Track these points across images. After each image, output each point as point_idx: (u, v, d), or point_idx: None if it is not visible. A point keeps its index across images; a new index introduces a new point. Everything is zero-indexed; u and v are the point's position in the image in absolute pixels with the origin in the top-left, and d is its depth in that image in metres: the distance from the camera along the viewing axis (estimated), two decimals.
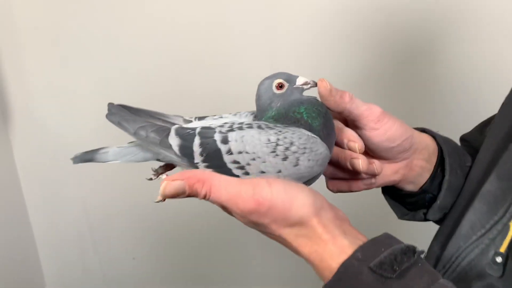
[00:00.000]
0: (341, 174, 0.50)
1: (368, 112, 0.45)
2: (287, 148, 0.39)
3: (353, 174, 0.49)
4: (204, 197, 0.37)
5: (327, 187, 0.52)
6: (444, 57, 0.96)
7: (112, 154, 0.44)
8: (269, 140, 0.40)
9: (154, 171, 0.47)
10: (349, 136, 0.46)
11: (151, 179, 0.47)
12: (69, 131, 1.20)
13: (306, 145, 0.40)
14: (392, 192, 0.55)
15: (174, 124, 0.44)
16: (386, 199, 0.57)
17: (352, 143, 0.46)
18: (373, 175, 0.49)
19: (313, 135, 0.41)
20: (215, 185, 0.37)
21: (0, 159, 1.23)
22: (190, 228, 1.25)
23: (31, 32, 1.14)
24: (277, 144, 0.39)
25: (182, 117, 0.46)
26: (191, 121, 0.46)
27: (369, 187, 0.50)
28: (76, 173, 1.23)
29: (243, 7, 1.02)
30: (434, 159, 0.52)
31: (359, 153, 0.46)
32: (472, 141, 0.58)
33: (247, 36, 1.04)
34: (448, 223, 0.48)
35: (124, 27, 1.10)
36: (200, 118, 0.46)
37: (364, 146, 0.46)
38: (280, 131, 0.40)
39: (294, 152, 0.40)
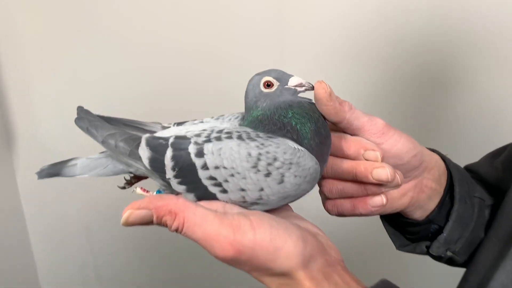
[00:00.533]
0: (352, 190, 0.42)
1: (370, 124, 0.40)
2: (270, 164, 0.34)
3: (364, 191, 0.41)
4: (176, 231, 0.32)
5: (325, 207, 0.44)
6: (456, 82, 0.90)
7: (80, 167, 0.40)
8: (249, 154, 0.35)
9: (126, 181, 0.43)
10: (365, 145, 0.40)
11: (124, 187, 0.43)
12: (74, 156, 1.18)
13: (292, 159, 0.35)
14: (392, 219, 0.49)
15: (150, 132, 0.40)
16: (385, 225, 0.51)
17: (372, 152, 0.39)
18: (396, 187, 0.41)
19: (300, 147, 0.36)
20: (189, 220, 0.32)
21: (3, 184, 1.21)
22: (196, 258, 1.18)
23: (36, 55, 1.11)
24: (259, 159, 0.34)
25: (160, 123, 0.42)
26: (169, 128, 0.41)
27: (378, 210, 0.42)
28: (79, 200, 1.21)
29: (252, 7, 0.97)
30: (444, 181, 0.46)
31: (381, 161, 0.39)
32: (480, 172, 0.52)
33: (255, 35, 0.98)
34: (474, 280, 0.42)
35: (132, 48, 1.05)
36: (179, 124, 0.41)
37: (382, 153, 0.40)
38: (262, 144, 0.35)
39: (278, 168, 0.34)
